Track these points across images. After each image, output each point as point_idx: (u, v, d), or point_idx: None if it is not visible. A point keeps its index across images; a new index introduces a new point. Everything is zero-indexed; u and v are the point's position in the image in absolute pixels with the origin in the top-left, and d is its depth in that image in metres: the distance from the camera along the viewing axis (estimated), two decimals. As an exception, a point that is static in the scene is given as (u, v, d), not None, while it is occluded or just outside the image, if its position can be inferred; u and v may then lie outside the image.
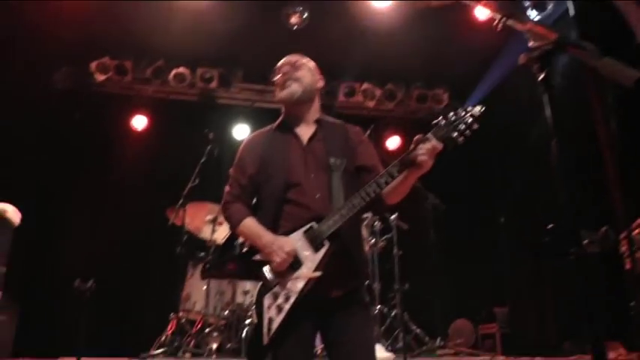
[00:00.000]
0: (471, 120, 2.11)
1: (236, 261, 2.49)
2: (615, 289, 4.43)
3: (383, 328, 5.31)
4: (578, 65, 4.66)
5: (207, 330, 5.06)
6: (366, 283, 5.22)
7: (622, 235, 4.10)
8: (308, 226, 2.19)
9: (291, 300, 2.13)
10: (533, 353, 5.01)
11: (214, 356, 4.76)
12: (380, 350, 4.63)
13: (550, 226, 4.49)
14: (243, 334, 4.80)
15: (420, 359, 5.01)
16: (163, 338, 4.98)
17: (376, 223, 5.58)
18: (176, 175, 5.99)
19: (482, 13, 6.18)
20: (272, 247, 2.18)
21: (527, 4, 5.57)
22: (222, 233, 5.46)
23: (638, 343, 4.07)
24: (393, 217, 5.52)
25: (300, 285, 2.14)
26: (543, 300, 6.31)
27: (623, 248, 4.12)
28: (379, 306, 5.43)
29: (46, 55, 6.44)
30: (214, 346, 4.89)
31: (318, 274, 2.13)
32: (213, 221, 5.42)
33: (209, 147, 5.51)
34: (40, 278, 6.32)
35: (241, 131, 7.61)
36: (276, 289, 2.18)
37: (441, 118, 2.15)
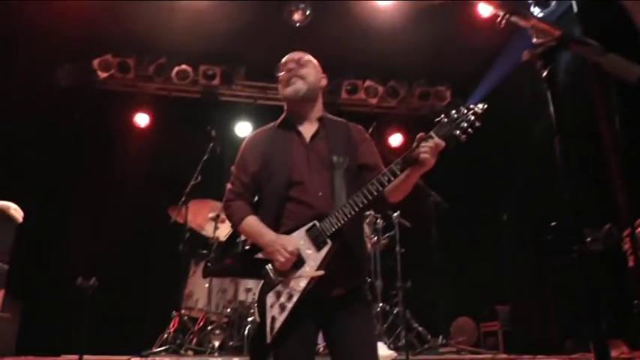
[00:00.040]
0: (473, 118, 2.09)
1: (238, 259, 2.47)
2: (618, 287, 4.42)
3: (385, 326, 5.32)
4: (581, 62, 4.64)
5: (209, 327, 5.06)
6: (368, 280, 5.25)
7: (625, 233, 4.09)
8: (310, 224, 2.19)
9: (294, 299, 2.12)
10: (535, 351, 5.01)
11: (217, 354, 4.77)
12: (382, 348, 4.62)
13: (553, 223, 4.48)
14: (246, 332, 4.81)
15: (422, 357, 5.00)
16: (165, 336, 4.98)
17: (378, 220, 5.58)
18: (178, 172, 6.01)
19: (485, 10, 6.16)
20: (274, 245, 2.17)
21: (530, 1, 5.55)
22: (224, 231, 5.45)
23: (641, 341, 4.07)
24: (395, 214, 5.52)
25: (302, 284, 2.13)
26: (545, 298, 6.30)
27: (626, 246, 4.11)
28: (381, 304, 5.43)
29: (48, 53, 6.45)
30: (217, 343, 4.90)
31: (320, 273, 2.13)
32: (216, 219, 5.42)
33: (211, 144, 5.51)
34: (43, 276, 6.34)
35: (243, 128, 7.61)
36: (279, 287, 2.17)
37: (443, 116, 2.14)
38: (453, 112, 2.12)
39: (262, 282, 2.23)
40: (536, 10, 5.51)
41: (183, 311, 5.32)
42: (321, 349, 4.00)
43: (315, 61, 2.55)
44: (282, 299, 2.14)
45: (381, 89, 7.82)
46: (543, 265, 6.15)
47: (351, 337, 2.17)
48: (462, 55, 6.91)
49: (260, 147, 2.44)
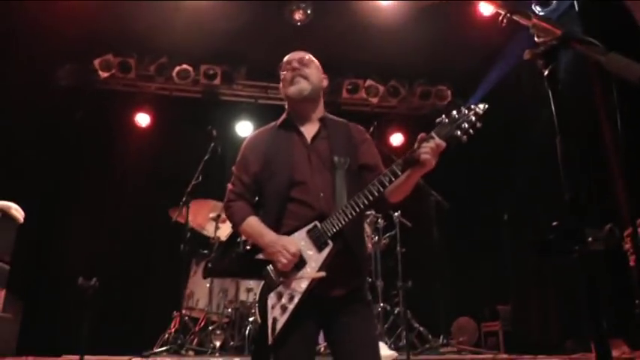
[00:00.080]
0: (474, 118, 2.07)
1: (238, 260, 2.46)
2: (619, 286, 4.41)
3: (386, 326, 5.31)
4: (582, 61, 4.63)
5: (210, 328, 5.07)
6: (369, 281, 5.25)
7: (626, 233, 4.08)
8: (312, 225, 2.18)
9: (295, 300, 2.11)
10: (536, 351, 5.00)
11: (217, 354, 4.77)
12: (383, 348, 4.62)
13: (554, 223, 4.47)
14: (247, 332, 4.80)
15: (423, 357, 4.99)
16: (166, 336, 4.99)
17: (379, 220, 5.58)
18: (179, 172, 6.00)
19: (486, 9, 6.15)
20: (276, 246, 2.16)
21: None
22: (225, 231, 5.46)
23: (642, 341, 4.06)
24: (396, 214, 5.52)
25: (304, 285, 2.12)
26: (546, 298, 6.30)
27: (627, 246, 4.10)
28: (382, 304, 5.43)
29: (49, 52, 6.45)
30: (218, 343, 4.90)
31: (322, 274, 2.12)
32: (217, 219, 5.42)
33: (212, 144, 5.51)
34: (44, 276, 6.34)
35: (244, 128, 7.61)
36: (280, 288, 2.16)
37: (444, 116, 2.12)
38: (454, 112, 2.11)
39: (263, 283, 2.23)
40: (537, 9, 5.50)
41: (184, 311, 5.32)
42: (322, 349, 4.00)
43: (316, 61, 2.54)
44: (284, 300, 2.13)
45: (381, 89, 7.81)
46: (544, 265, 6.15)
47: (351, 337, 2.17)
48: (463, 55, 6.92)
49: (261, 147, 2.43)
